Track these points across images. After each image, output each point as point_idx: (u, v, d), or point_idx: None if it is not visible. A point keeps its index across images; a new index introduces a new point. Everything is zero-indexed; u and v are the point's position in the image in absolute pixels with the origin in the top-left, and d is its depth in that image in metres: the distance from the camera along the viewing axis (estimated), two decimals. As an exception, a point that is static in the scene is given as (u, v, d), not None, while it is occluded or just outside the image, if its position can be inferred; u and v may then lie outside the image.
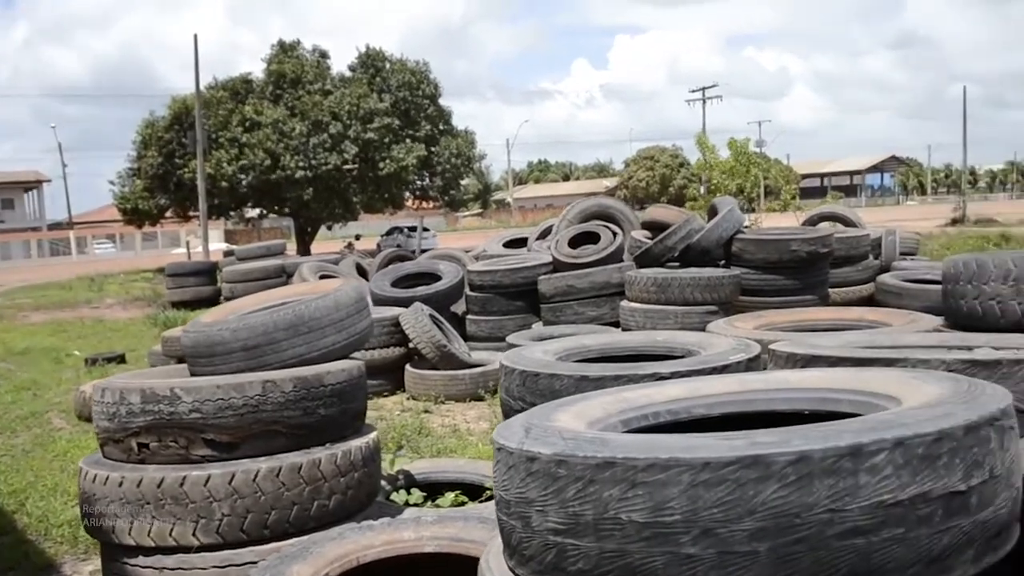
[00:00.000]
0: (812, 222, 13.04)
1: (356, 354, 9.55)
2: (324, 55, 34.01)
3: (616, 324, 8.94)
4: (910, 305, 7.72)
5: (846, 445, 1.64)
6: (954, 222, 36.25)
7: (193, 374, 4.24)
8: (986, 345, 3.21)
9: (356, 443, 4.15)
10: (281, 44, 33.44)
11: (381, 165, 29.91)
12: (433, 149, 31.60)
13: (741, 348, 3.79)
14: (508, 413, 3.78)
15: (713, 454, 1.66)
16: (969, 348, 3.06)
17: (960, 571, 1.73)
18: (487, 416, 7.73)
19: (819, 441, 1.66)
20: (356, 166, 30.10)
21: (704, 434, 1.83)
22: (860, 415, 2.18)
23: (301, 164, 29.53)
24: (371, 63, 33.18)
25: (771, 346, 3.39)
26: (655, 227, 9.82)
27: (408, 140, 30.53)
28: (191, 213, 33.57)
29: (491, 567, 2.19)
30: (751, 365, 3.58)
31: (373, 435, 4.41)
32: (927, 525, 1.68)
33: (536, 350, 4.34)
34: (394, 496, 5.06)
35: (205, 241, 29.94)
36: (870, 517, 1.64)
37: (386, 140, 30.02)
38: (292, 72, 31.72)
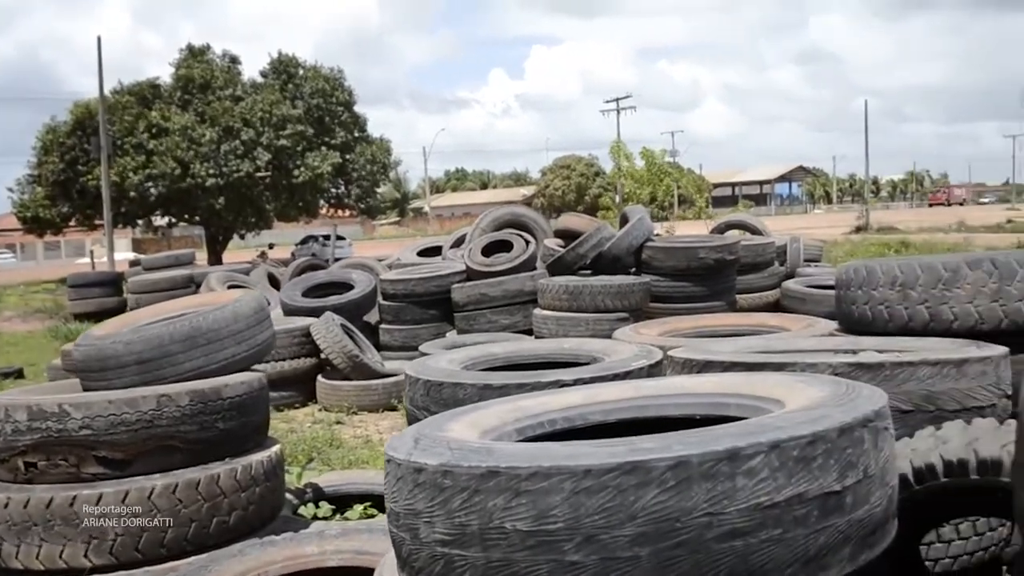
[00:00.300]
0: (720, 230, 13.33)
1: (265, 366, 9.40)
2: (235, 60, 33.35)
3: (530, 332, 8.97)
4: (813, 310, 7.96)
5: (723, 449, 1.66)
6: (858, 230, 37.64)
7: (86, 389, 4.08)
8: (871, 349, 3.33)
9: (257, 457, 4.06)
10: (190, 48, 32.66)
11: (295, 173, 29.46)
12: (348, 156, 31.27)
13: (644, 355, 3.84)
14: (413, 423, 3.74)
15: (594, 461, 1.67)
16: (855, 352, 3.16)
17: (837, 569, 1.78)
18: (400, 426, 7.65)
19: (697, 446, 1.68)
20: (269, 174, 29.58)
21: (587, 441, 1.84)
22: (746, 419, 2.23)
23: (212, 171, 28.85)
24: (283, 69, 32.68)
25: (669, 352, 3.44)
26: (567, 235, 9.90)
27: (323, 148, 30.15)
28: (97, 222, 32.46)
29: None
30: (653, 371, 3.63)
31: (276, 448, 4.32)
32: (803, 525, 1.71)
33: (441, 359, 4.31)
34: (302, 510, 4.96)
35: (110, 251, 28.95)
36: (748, 519, 1.67)
37: (300, 147, 29.58)
38: (201, 77, 31.00)
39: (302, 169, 29.35)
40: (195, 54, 32.40)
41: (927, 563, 2.87)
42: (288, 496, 5.78)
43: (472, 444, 1.96)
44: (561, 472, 1.68)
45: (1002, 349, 3.05)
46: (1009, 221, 38.56)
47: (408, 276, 10.46)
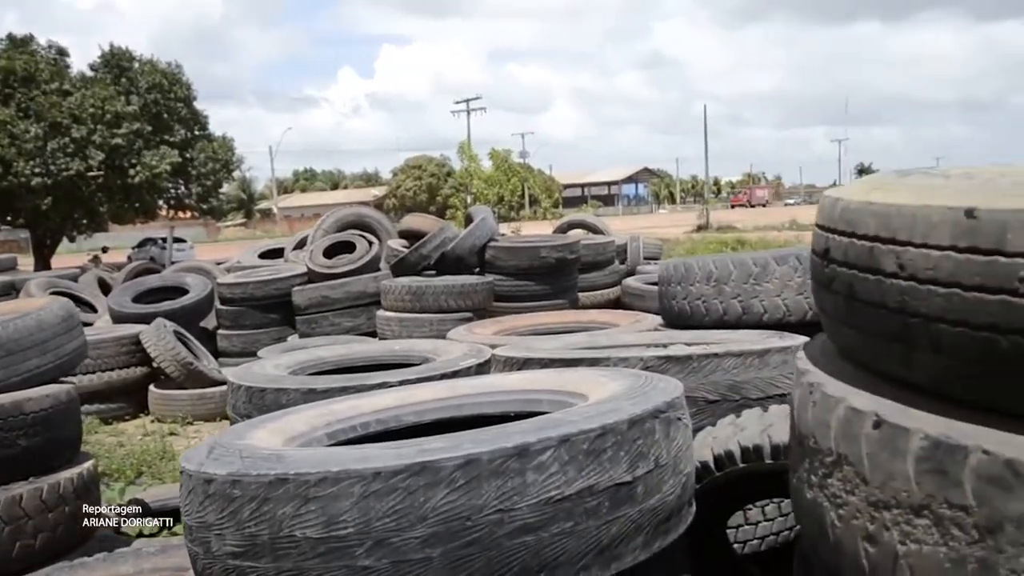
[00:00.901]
0: (562, 230, 13.58)
1: (92, 376, 8.84)
2: (62, 52, 31.23)
3: (374, 334, 8.85)
4: (652, 306, 8.20)
5: (513, 446, 1.66)
6: (699, 228, 39.27)
7: None
8: (682, 342, 3.44)
9: (67, 475, 3.83)
10: (11, 38, 30.37)
11: (131, 172, 27.89)
12: (188, 155, 29.91)
13: (473, 354, 3.84)
14: (238, 431, 3.60)
15: (383, 464, 1.63)
16: (666, 345, 3.26)
17: (631, 558, 1.81)
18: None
19: (486, 444, 1.67)
20: (102, 173, 27.89)
21: (377, 444, 1.80)
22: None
23: (38, 170, 26.89)
24: (116, 63, 30.86)
25: (493, 351, 3.44)
26: (411, 236, 9.82)
27: (161, 146, 28.68)
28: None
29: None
30: (481, 370, 3.63)
31: (88, 464, 4.07)
32: (595, 517, 1.73)
33: (267, 365, 4.17)
34: (125, 527, 4.68)
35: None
36: (539, 514, 1.67)
37: (136, 146, 28.04)
38: (24, 69, 28.84)
39: (139, 168, 27.81)
40: (17, 44, 30.12)
41: (736, 545, 2.99)
42: (110, 513, 5.47)
43: (263, 452, 1.88)
44: (350, 476, 1.63)
45: (802, 339, 3.22)
46: (834, 220, 41.02)
47: (247, 279, 10.10)
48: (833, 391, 1.43)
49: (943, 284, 1.22)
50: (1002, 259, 1.15)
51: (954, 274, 1.21)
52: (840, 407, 1.38)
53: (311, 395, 3.37)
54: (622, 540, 1.77)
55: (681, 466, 1.96)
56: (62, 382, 4.20)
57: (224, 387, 8.22)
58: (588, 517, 1.72)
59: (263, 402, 3.51)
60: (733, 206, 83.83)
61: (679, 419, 1.99)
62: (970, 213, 1.20)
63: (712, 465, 2.36)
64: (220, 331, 10.13)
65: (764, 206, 78.61)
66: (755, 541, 2.99)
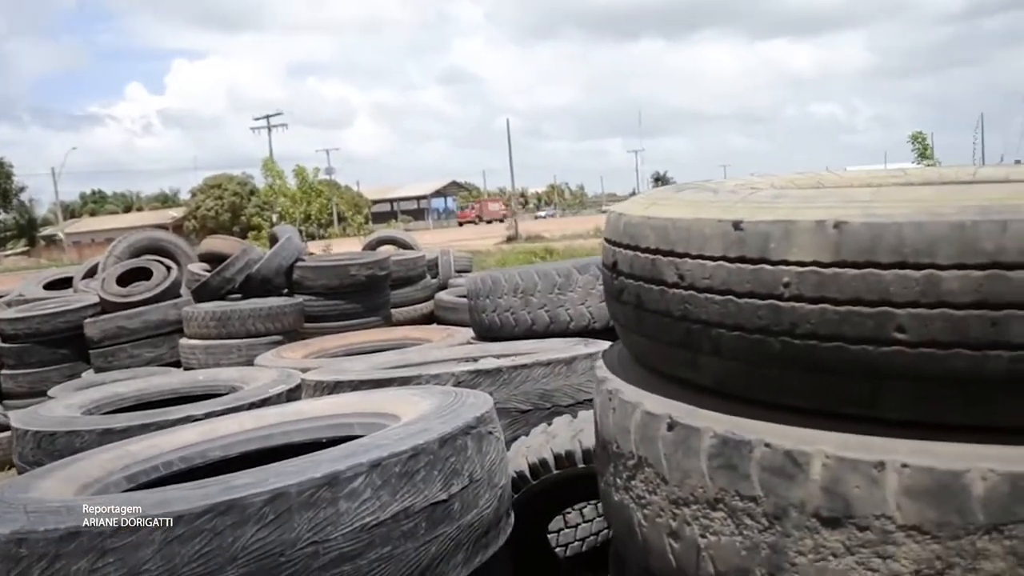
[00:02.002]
0: (372, 246, 13.47)
1: None
2: None
3: (179, 364, 8.40)
4: (465, 319, 8.24)
5: (322, 475, 1.63)
6: (509, 239, 40.08)
7: None
8: (491, 355, 3.50)
9: None
10: None
11: None
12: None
13: (283, 379, 3.73)
14: (25, 482, 3.31)
15: (185, 506, 1.55)
16: (477, 359, 3.31)
17: (453, 575, 1.82)
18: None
19: (295, 476, 1.63)
20: None
21: (178, 485, 1.71)
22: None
23: None
24: None
25: (303, 376, 3.37)
26: (213, 259, 9.41)
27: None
28: None
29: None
30: (292, 396, 3.53)
31: None
32: (413, 539, 1.73)
33: (56, 405, 3.88)
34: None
35: None
36: (355, 542, 1.65)
37: None
38: None
39: None
40: None
41: (559, 549, 3.07)
42: None
43: (51, 504, 1.74)
44: (149, 522, 1.54)
45: (605, 344, 3.36)
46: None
47: (31, 313, 9.32)
48: (630, 397, 1.50)
49: (718, 292, 1.32)
50: (767, 267, 1.25)
51: (727, 282, 1.31)
52: (637, 412, 1.46)
53: (108, 436, 3.17)
54: (442, 559, 1.78)
55: (496, 479, 2.00)
56: None
57: (9, 432, 7.58)
58: (406, 540, 1.71)
59: (54, 447, 3.26)
60: (461, 223, 77.36)
61: (490, 433, 2.02)
62: (737, 225, 1.30)
63: (528, 474, 2.42)
64: (3, 371, 9.29)
65: (501, 221, 65.57)
66: (576, 543, 3.08)
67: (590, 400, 3.07)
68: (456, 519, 1.81)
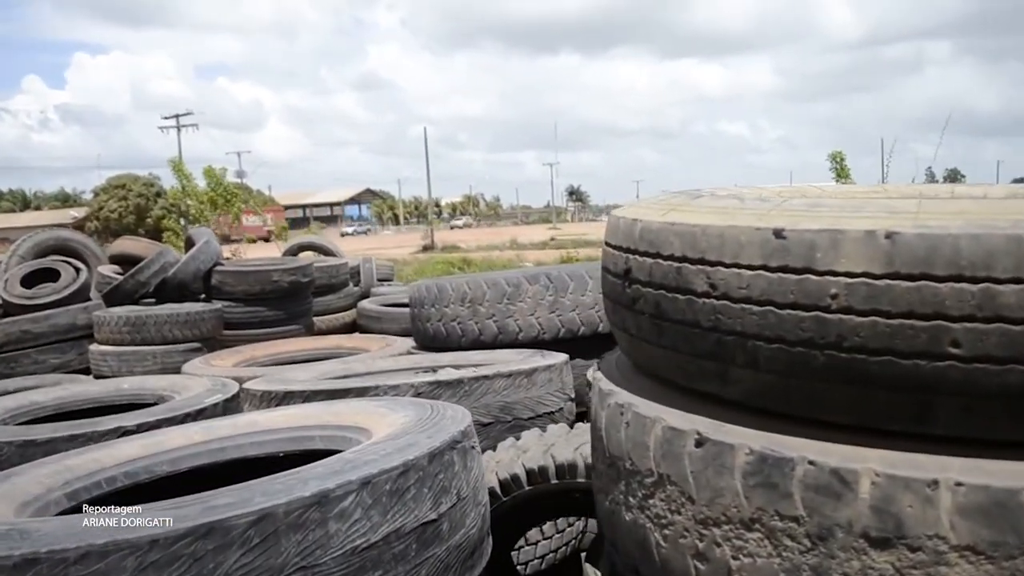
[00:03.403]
0: (292, 252, 13.14)
1: None
2: None
3: (87, 371, 8.00)
4: (389, 328, 8.12)
5: (311, 494, 1.50)
6: (425, 248, 39.87)
7: None
8: (448, 365, 3.40)
9: None
10: None
11: None
12: None
13: (218, 389, 3.54)
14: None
15: (161, 529, 1.41)
16: (435, 370, 3.20)
17: None
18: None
19: (282, 495, 1.50)
20: None
21: (149, 504, 1.56)
22: (336, 450, 2.10)
23: None
24: None
25: (244, 385, 3.19)
26: (125, 261, 9.01)
27: None
28: None
29: None
30: (229, 406, 3.35)
31: None
32: (404, 561, 1.62)
33: (-33, 415, 3.59)
34: None
35: None
36: (346, 566, 1.53)
37: None
38: None
39: None
40: None
41: (519, 567, 2.98)
42: None
43: (1, 526, 1.56)
44: (120, 547, 1.39)
45: (563, 356, 3.29)
46: (552, 239, 43.54)
47: (-76, 316, 8.75)
48: (647, 411, 1.43)
49: (757, 302, 1.26)
50: (813, 277, 1.20)
51: (767, 292, 1.25)
52: (657, 427, 1.39)
53: (29, 448, 2.94)
54: (431, 582, 1.67)
55: (480, 496, 1.90)
56: None
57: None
58: (397, 563, 1.60)
59: (-34, 461, 3.01)
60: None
61: (473, 448, 1.93)
62: (779, 233, 1.24)
63: (499, 490, 2.32)
64: None
65: (267, 240, 36.86)
66: (536, 561, 3.00)
67: (551, 412, 3.01)
68: (445, 539, 1.71)
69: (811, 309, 1.20)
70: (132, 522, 1.46)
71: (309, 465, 1.69)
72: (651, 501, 1.41)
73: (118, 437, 2.78)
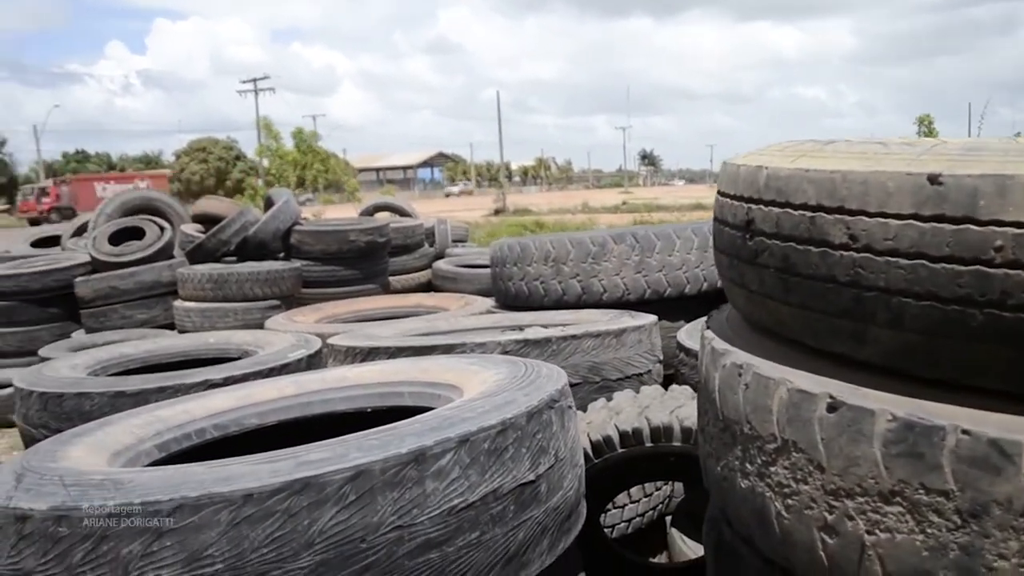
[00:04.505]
0: (368, 212, 13.19)
1: None
2: None
3: (172, 326, 8.19)
4: (464, 289, 8.12)
5: (408, 451, 1.44)
6: (497, 212, 39.81)
7: None
8: (534, 324, 3.32)
9: None
10: None
11: None
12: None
13: (301, 344, 3.54)
14: (30, 445, 3.12)
15: (255, 483, 1.36)
16: (520, 328, 3.13)
17: (538, 564, 1.65)
18: (20, 446, 6.58)
19: (378, 451, 1.44)
20: None
21: (244, 457, 1.52)
22: (425, 407, 2.04)
23: None
24: None
25: (329, 340, 3.17)
26: (207, 220, 9.17)
27: None
28: None
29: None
30: (312, 361, 3.34)
31: None
32: (501, 523, 1.55)
33: (62, 365, 3.66)
34: None
35: None
36: (443, 526, 1.47)
37: None
38: None
39: None
40: None
41: (605, 530, 2.91)
42: None
43: (94, 476, 1.55)
44: (214, 501, 1.35)
45: (652, 318, 3.19)
46: (624, 203, 43.04)
47: (19, 271, 9.04)
48: (770, 372, 1.32)
49: (905, 255, 1.14)
50: (974, 228, 1.07)
51: (918, 244, 1.12)
52: (782, 389, 1.28)
53: (120, 399, 2.98)
54: (529, 546, 1.60)
55: (577, 458, 1.82)
56: None
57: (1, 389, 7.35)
58: (494, 524, 1.53)
59: (62, 410, 3.07)
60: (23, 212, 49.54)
61: (570, 407, 1.85)
62: (934, 179, 1.11)
63: (590, 452, 2.24)
64: (-9, 329, 9.04)
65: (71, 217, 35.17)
66: (623, 524, 2.92)
67: (639, 374, 2.91)
68: (543, 501, 1.64)
69: (970, 263, 1.08)
70: (226, 475, 1.42)
71: (406, 421, 1.63)
72: (772, 468, 1.30)
73: (202, 391, 2.79)
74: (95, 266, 8.87)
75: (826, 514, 1.21)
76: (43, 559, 1.42)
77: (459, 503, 1.48)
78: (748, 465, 1.37)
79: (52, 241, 11.47)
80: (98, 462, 1.81)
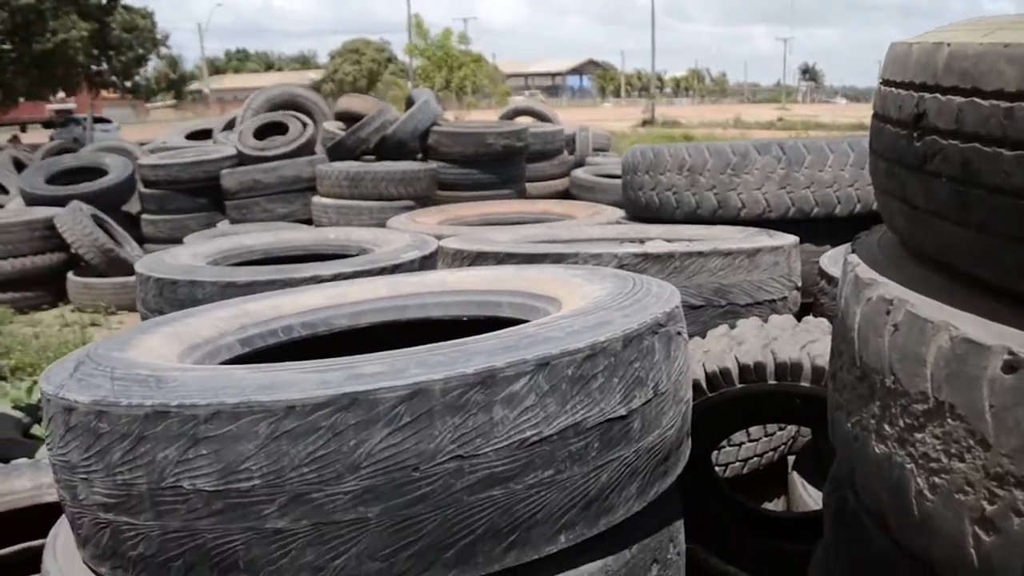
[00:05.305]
0: (509, 116, 12.95)
1: (3, 262, 8.22)
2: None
3: (310, 221, 8.33)
4: (602, 199, 7.80)
5: (475, 372, 1.24)
6: (645, 123, 38.72)
7: None
8: (659, 237, 3.04)
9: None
10: None
11: (39, 41, 25.43)
12: (108, 26, 27.60)
13: (417, 245, 3.40)
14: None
15: (299, 394, 1.20)
16: (642, 241, 2.86)
17: (623, 510, 1.43)
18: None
19: (440, 368, 1.24)
20: (10, 47, 25.55)
21: (297, 364, 1.36)
22: (523, 320, 1.84)
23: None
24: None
25: (440, 243, 3.00)
26: (348, 118, 9.16)
27: (72, 15, 26.20)
28: None
29: (57, 548, 1.63)
30: (426, 263, 3.20)
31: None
32: (582, 462, 1.34)
33: (181, 253, 3.68)
34: (36, 430, 4.23)
35: None
36: (510, 460, 1.27)
37: (44, 7, 25.42)
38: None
39: (48, 37, 25.43)
40: None
41: (717, 468, 2.66)
42: (18, 415, 4.99)
43: (140, 371, 1.42)
44: (253, 410, 1.20)
45: (792, 238, 2.85)
46: (780, 119, 40.95)
47: (171, 161, 9.38)
48: (929, 313, 1.02)
49: None
50: None
51: None
52: (943, 336, 0.99)
53: (230, 289, 2.93)
54: (614, 489, 1.39)
55: (682, 392, 1.58)
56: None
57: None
58: (573, 463, 1.32)
59: (175, 296, 3.06)
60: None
61: (679, 334, 1.59)
62: None
63: (704, 384, 1.99)
64: (144, 216, 9.48)
65: None
66: (737, 464, 2.67)
67: (771, 301, 2.60)
68: (635, 440, 1.41)
69: None
70: (270, 383, 1.26)
71: (478, 336, 1.42)
72: (919, 436, 1.02)
73: (312, 285, 2.69)
74: (240, 159, 9.08)
75: (985, 503, 0.93)
76: (86, 454, 1.32)
77: (532, 435, 1.27)
78: (887, 427, 1.09)
79: (206, 134, 11.84)
80: (169, 354, 1.71)
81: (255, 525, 1.23)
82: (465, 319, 2.09)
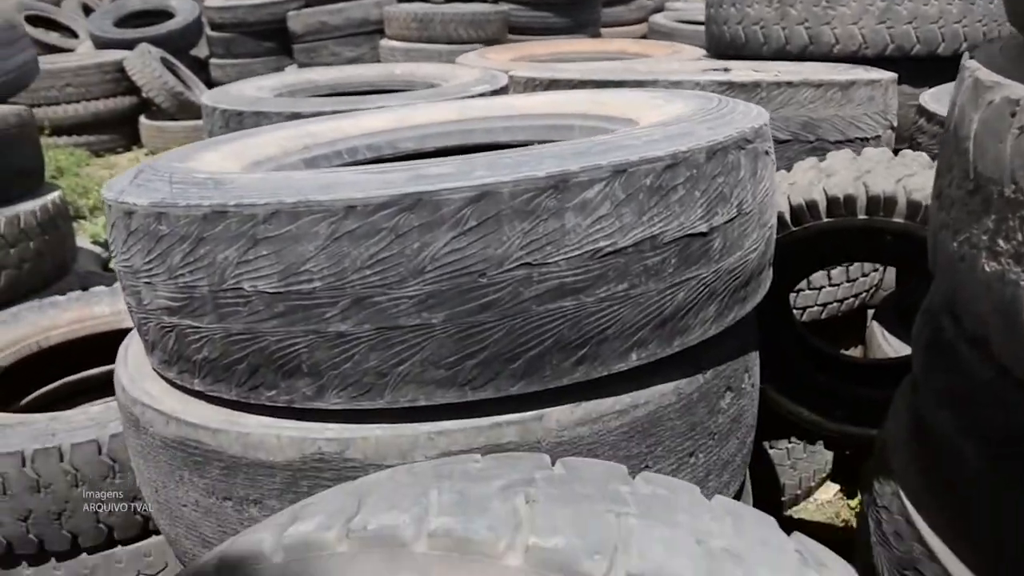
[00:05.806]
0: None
1: (76, 106, 8.30)
2: None
3: (378, 66, 8.17)
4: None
5: (547, 175, 1.15)
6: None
7: None
8: (745, 69, 2.85)
9: (28, 207, 3.46)
10: None
11: None
12: None
13: (486, 79, 3.27)
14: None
15: (360, 193, 1.13)
16: (726, 70, 2.68)
17: (699, 332, 1.36)
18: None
19: (509, 171, 1.16)
20: None
21: (360, 167, 1.29)
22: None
23: None
24: None
25: (510, 72, 2.87)
26: (417, -45, 8.82)
27: None
28: None
29: (128, 359, 1.66)
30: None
31: (54, 196, 3.67)
32: (657, 278, 1.26)
33: (248, 86, 3.62)
34: (113, 264, 4.34)
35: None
36: (582, 271, 1.20)
37: None
38: None
39: None
40: None
41: (795, 311, 2.58)
42: (97, 249, 5.13)
43: (198, 176, 1.38)
44: (312, 210, 1.14)
45: (891, 75, 2.64)
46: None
47: (237, 3, 9.23)
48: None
49: None
50: None
51: None
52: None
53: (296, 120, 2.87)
54: (690, 309, 1.31)
55: (766, 216, 1.47)
56: (11, 103, 3.72)
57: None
58: (648, 278, 1.25)
59: (241, 127, 3.02)
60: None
61: (767, 153, 1.47)
62: None
63: (788, 218, 1.87)
64: (212, 60, 9.44)
65: None
66: (816, 308, 2.57)
67: (864, 139, 2.44)
68: (715, 260, 1.32)
69: None
70: (329, 183, 1.20)
71: (550, 143, 1.33)
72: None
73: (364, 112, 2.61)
74: (307, 1, 8.88)
75: None
76: (147, 257, 1.30)
77: (605, 246, 1.20)
78: (1001, 242, 0.98)
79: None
80: (231, 167, 1.66)
81: (317, 328, 1.20)
82: (537, 144, 2.00)
